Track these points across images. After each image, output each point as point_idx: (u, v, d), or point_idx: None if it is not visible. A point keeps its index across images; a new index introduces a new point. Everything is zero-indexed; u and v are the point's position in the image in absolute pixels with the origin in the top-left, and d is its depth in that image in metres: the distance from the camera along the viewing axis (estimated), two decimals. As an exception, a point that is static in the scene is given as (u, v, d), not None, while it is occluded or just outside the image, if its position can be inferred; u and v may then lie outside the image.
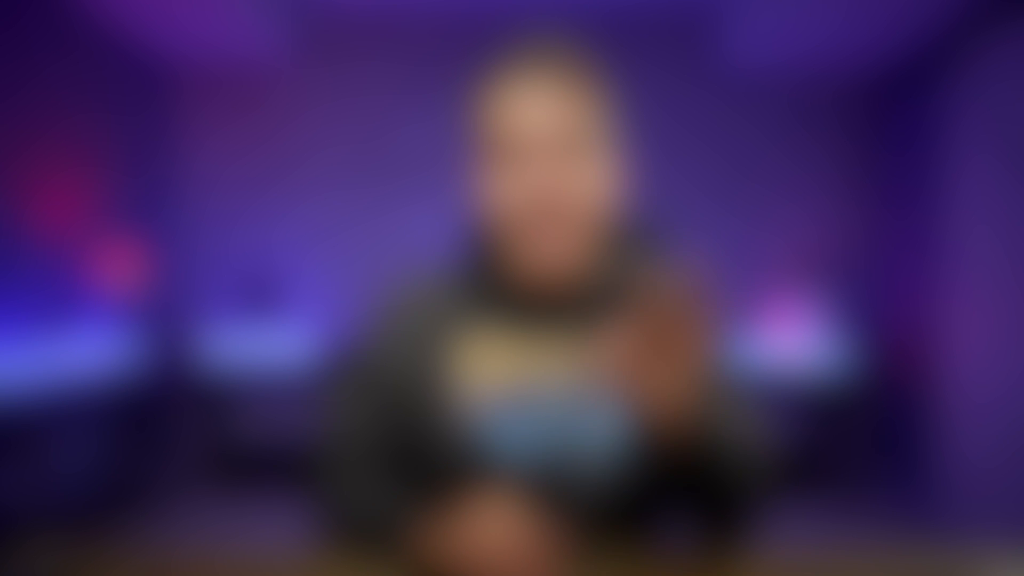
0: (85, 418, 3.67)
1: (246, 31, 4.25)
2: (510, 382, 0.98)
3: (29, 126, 3.36)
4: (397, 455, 1.01)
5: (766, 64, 4.63)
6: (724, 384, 0.97)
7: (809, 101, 4.91)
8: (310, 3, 4.65)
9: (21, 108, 3.31)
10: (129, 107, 4.29)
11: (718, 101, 4.89)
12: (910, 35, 4.15)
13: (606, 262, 1.01)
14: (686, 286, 0.78)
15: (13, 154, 3.26)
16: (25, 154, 3.33)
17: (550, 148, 0.94)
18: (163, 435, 4.51)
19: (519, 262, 0.97)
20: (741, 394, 1.00)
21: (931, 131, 4.19)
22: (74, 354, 3.60)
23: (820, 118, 4.93)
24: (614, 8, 4.64)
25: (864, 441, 4.81)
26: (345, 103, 4.86)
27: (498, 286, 1.01)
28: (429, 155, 4.58)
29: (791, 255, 4.91)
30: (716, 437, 0.89)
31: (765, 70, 4.72)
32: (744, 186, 4.91)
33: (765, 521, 1.00)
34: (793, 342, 4.85)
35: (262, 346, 4.80)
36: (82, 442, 3.65)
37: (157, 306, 4.45)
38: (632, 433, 0.94)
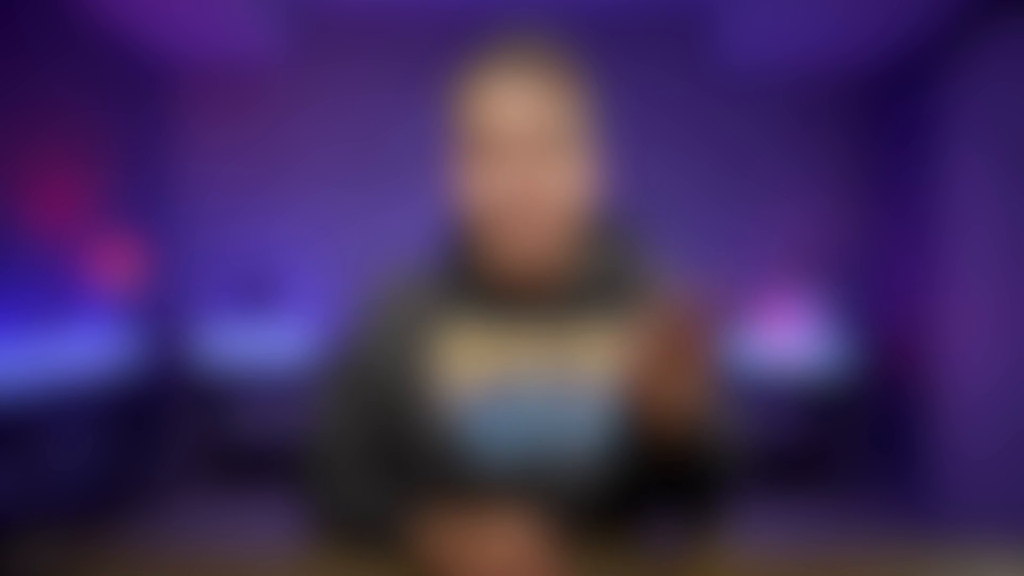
0: (82, 415, 3.67)
1: (242, 29, 4.24)
2: (491, 377, 0.98)
3: (26, 123, 3.36)
4: (384, 452, 1.01)
5: (763, 61, 4.64)
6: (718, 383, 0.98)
7: (805, 98, 4.91)
8: (306, 1, 4.65)
9: (18, 105, 3.30)
10: (126, 104, 4.28)
11: (714, 98, 4.89)
12: (906, 33, 4.15)
13: (585, 257, 1.02)
14: (694, 301, 0.81)
15: (10, 151, 3.25)
16: (22, 151, 3.32)
17: (528, 145, 0.94)
18: (160, 432, 4.50)
19: (497, 258, 0.97)
20: (726, 390, 1.02)
21: (927, 128, 4.19)
22: (71, 351, 3.60)
23: (816, 115, 4.93)
24: (611, 6, 4.64)
25: (861, 438, 4.83)
26: (341, 101, 4.85)
27: (477, 282, 1.01)
28: (425, 152, 4.57)
29: (788, 252, 4.92)
30: (702, 435, 0.92)
31: (762, 67, 4.72)
32: (740, 183, 4.92)
33: (752, 516, 1.01)
34: (790, 339, 4.86)
35: (258, 343, 4.79)
36: (79, 439, 3.64)
37: (154, 303, 4.44)
38: (613, 427, 0.96)
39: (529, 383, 0.98)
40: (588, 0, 4.53)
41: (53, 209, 3.53)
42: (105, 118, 4.06)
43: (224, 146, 4.86)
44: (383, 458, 1.01)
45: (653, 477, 0.94)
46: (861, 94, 4.90)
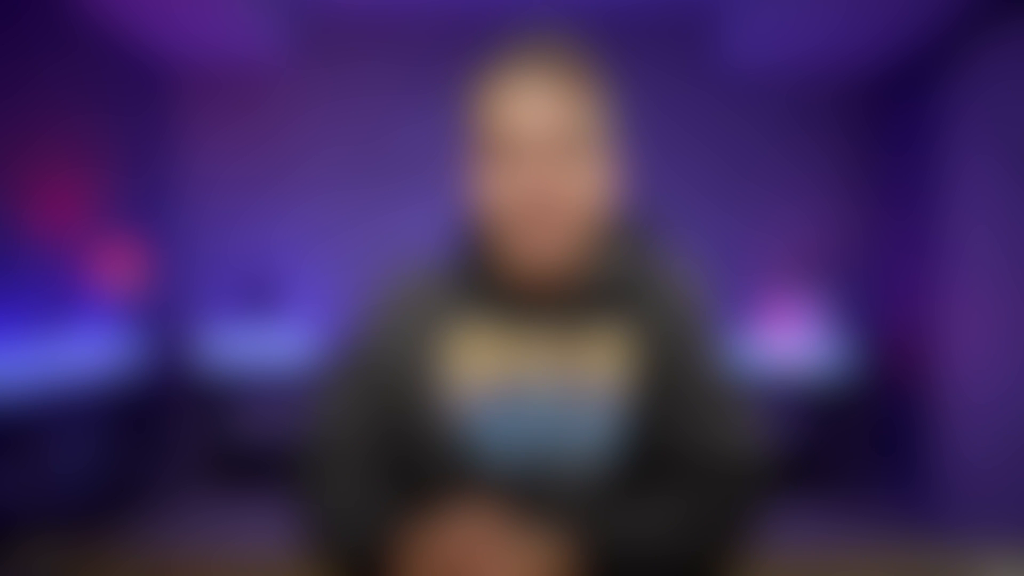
0: (83, 418, 3.66)
1: (245, 31, 4.25)
2: (500, 378, 0.98)
3: (28, 126, 3.36)
4: (388, 455, 1.00)
5: (765, 64, 4.64)
6: (714, 396, 0.98)
7: (808, 101, 4.91)
8: (309, 3, 4.65)
9: (20, 108, 3.30)
10: (128, 107, 4.29)
11: (717, 101, 4.89)
12: (909, 35, 4.15)
13: (599, 260, 1.02)
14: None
15: (12, 154, 3.25)
16: (24, 154, 3.33)
17: (545, 149, 0.94)
18: (161, 435, 4.50)
19: (511, 261, 0.97)
20: (735, 402, 1.00)
21: (930, 131, 4.19)
22: (72, 354, 3.60)
23: (819, 118, 4.93)
24: (614, 7, 4.64)
25: (863, 441, 4.81)
26: (344, 103, 4.86)
27: (490, 284, 1.01)
28: (428, 155, 4.57)
29: (790, 255, 4.91)
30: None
31: (764, 70, 4.72)
32: (743, 186, 4.91)
33: (765, 521, 1.00)
34: (792, 342, 4.85)
35: (261, 346, 4.79)
36: (80, 442, 3.64)
37: (156, 306, 4.44)
38: (619, 432, 0.95)
39: (538, 386, 0.97)
40: (591, 1, 4.53)
41: (56, 212, 3.54)
42: (108, 121, 4.06)
43: (227, 149, 4.87)
44: (386, 462, 1.00)
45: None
46: (864, 97, 4.90)
